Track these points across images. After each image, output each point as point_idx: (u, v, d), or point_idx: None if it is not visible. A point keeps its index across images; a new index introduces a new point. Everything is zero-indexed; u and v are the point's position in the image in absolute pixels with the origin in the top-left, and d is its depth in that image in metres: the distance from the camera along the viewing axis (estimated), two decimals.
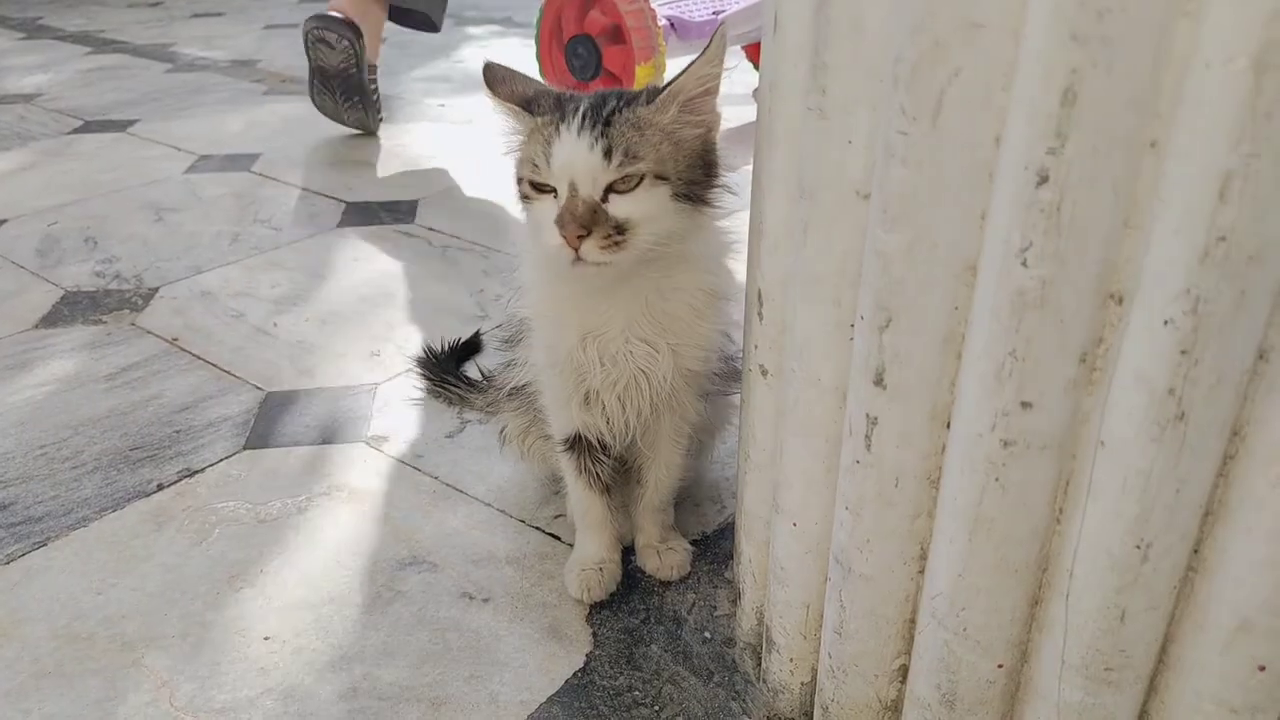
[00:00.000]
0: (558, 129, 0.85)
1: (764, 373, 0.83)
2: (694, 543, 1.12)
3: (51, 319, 1.69)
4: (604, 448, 1.01)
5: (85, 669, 0.97)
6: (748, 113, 2.88)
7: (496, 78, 0.92)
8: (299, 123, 2.86)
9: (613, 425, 0.98)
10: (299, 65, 3.58)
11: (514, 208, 0.93)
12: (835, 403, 0.74)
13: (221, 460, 1.29)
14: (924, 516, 0.70)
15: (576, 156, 0.83)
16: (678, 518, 1.14)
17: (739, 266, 0.95)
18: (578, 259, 0.83)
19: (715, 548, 1.13)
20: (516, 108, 0.89)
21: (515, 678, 0.95)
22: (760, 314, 0.81)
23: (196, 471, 1.27)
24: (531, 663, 0.97)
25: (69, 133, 2.78)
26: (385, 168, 2.45)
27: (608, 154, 0.83)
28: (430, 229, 2.06)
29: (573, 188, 0.83)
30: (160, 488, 1.24)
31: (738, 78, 3.20)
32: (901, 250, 0.61)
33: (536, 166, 0.85)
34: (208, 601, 1.05)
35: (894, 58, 0.58)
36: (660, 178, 0.85)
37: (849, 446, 0.71)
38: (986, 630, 0.68)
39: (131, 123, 2.87)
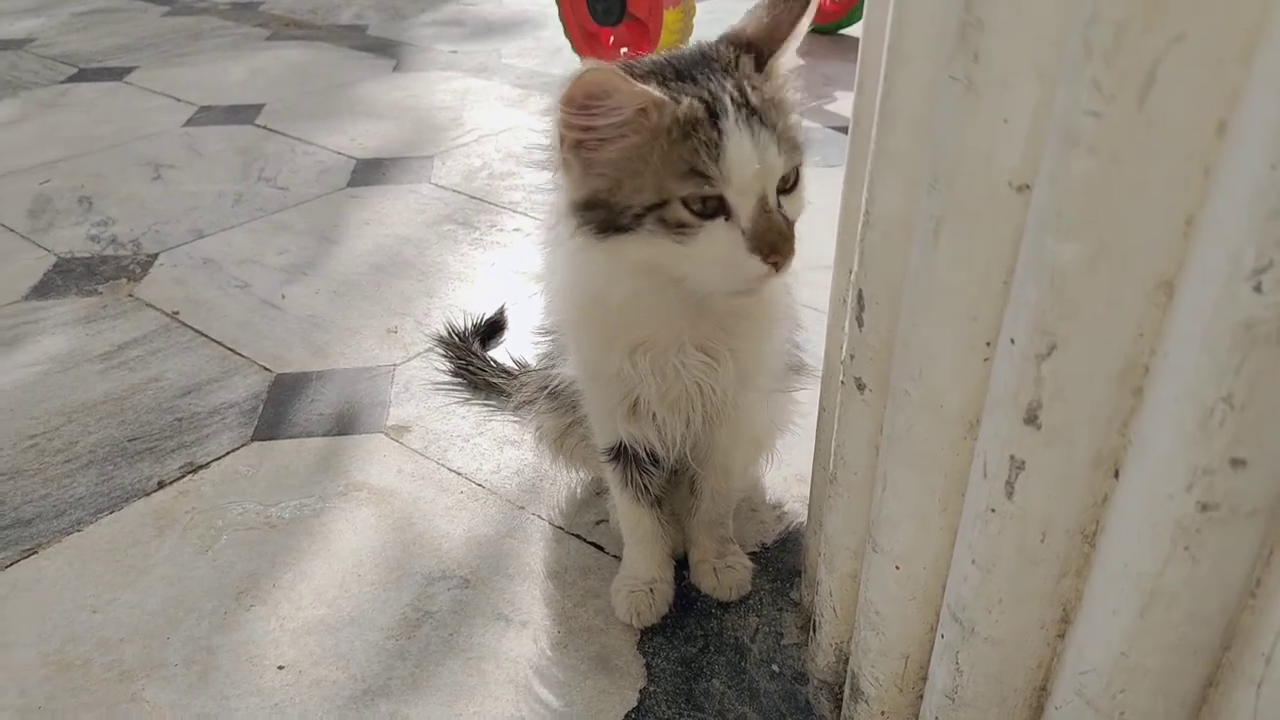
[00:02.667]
0: (716, 122, 0.65)
1: (860, 387, 0.70)
2: (753, 556, 1.01)
3: (43, 289, 1.57)
4: (653, 459, 0.89)
5: (79, 703, 0.87)
6: None
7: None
8: (304, 70, 2.71)
9: (664, 435, 0.86)
10: (303, 7, 3.42)
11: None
12: (960, 434, 0.61)
13: (228, 454, 1.18)
14: (1071, 576, 0.58)
15: (767, 158, 0.66)
16: (734, 526, 1.02)
17: None
18: (766, 278, 0.68)
19: (777, 562, 1.01)
20: (656, 92, 0.66)
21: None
22: (860, 320, 0.68)
23: (201, 466, 1.16)
24: (579, 700, 0.86)
25: (63, 81, 2.63)
26: (396, 120, 2.30)
27: (779, 146, 0.67)
28: (445, 187, 1.93)
29: (763, 201, 0.67)
30: (161, 485, 1.13)
31: None
32: (1081, 263, 0.48)
33: (707, 179, 0.65)
34: (214, 622, 0.94)
35: (1086, 18, 0.44)
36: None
37: (982, 491, 0.58)
38: (1150, 717, 0.56)
39: (128, 70, 2.72)
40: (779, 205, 0.69)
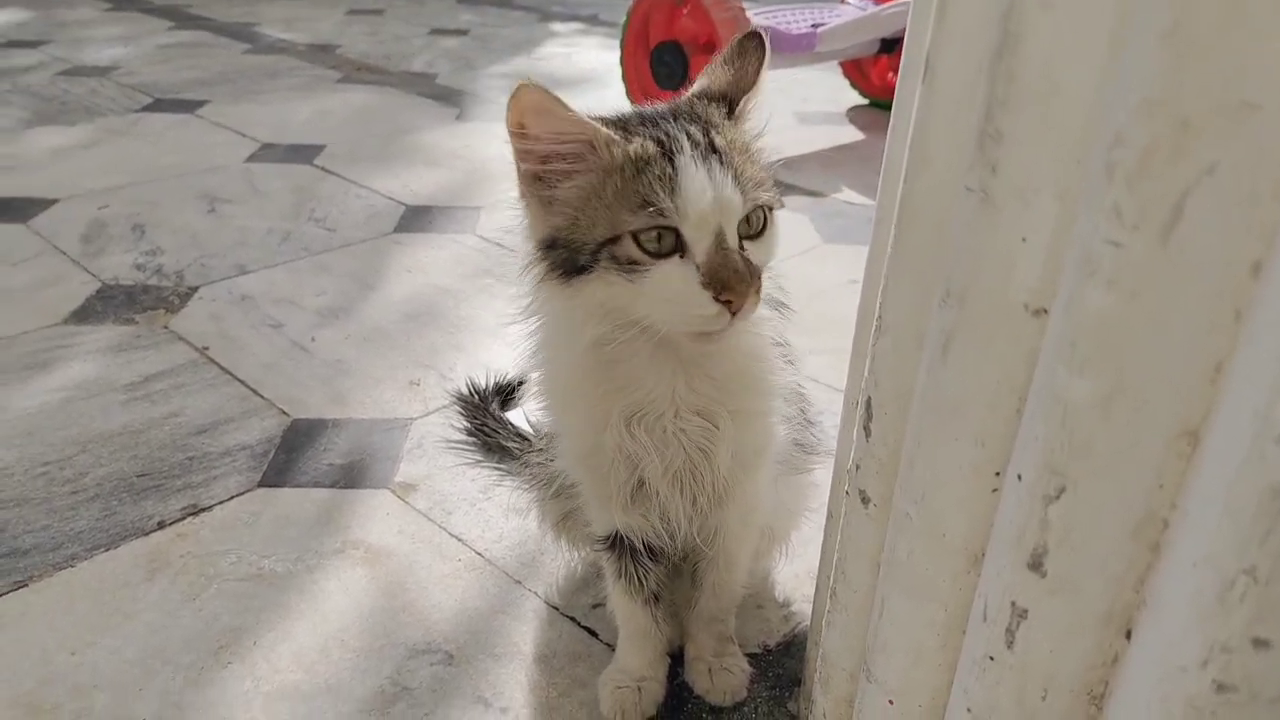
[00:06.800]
0: (671, 159, 0.65)
1: (865, 500, 0.66)
2: (753, 657, 0.95)
3: (83, 314, 1.59)
4: (651, 552, 0.85)
5: None
6: (841, 133, 2.70)
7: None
8: (369, 114, 2.76)
9: (669, 518, 0.81)
10: (378, 53, 3.51)
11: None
12: (963, 566, 0.56)
13: (232, 498, 1.16)
14: None
15: (724, 194, 0.65)
16: (737, 624, 0.97)
17: None
18: (730, 322, 0.66)
19: (778, 666, 0.96)
20: (603, 128, 0.67)
21: None
22: (868, 429, 0.64)
23: (203, 509, 1.14)
24: None
25: (137, 110, 2.72)
26: (452, 169, 2.33)
27: (739, 183, 0.66)
28: (489, 240, 1.92)
29: (720, 238, 0.66)
30: (161, 526, 1.11)
31: (832, 96, 3.02)
32: (1094, 401, 0.44)
33: (660, 211, 0.64)
34: (189, 677, 0.92)
35: (1109, 139, 0.41)
36: (771, 209, 0.71)
37: (981, 635, 0.53)
38: None
39: (201, 104, 2.80)
40: (741, 248, 0.67)
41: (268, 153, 2.40)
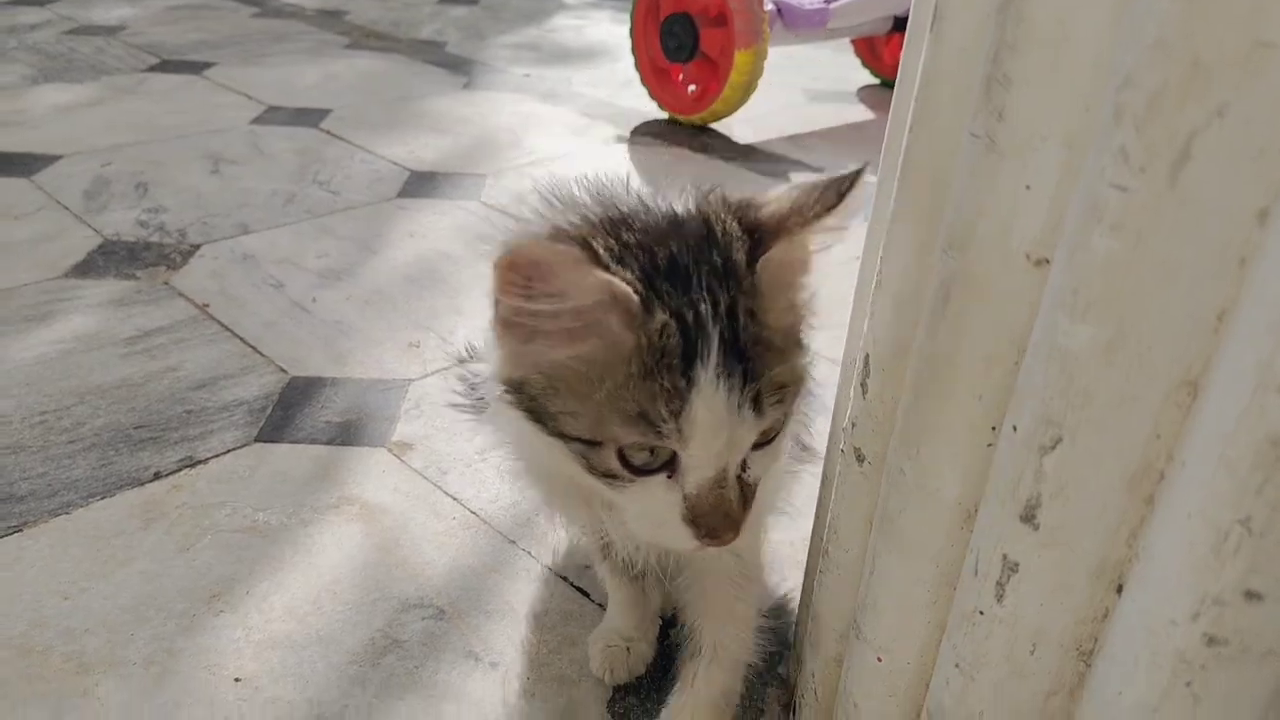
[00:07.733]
0: (689, 369, 0.51)
1: (860, 458, 0.65)
2: None
3: (84, 268, 1.58)
4: None
5: (31, 692, 0.84)
6: (851, 112, 2.68)
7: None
8: (377, 80, 2.74)
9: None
10: (387, 19, 3.48)
11: None
12: (955, 522, 0.56)
13: (229, 451, 1.16)
14: (1063, 695, 0.52)
15: (739, 432, 0.53)
16: None
17: None
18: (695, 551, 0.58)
19: (769, 631, 0.95)
20: (620, 284, 0.51)
21: None
22: (864, 385, 0.64)
23: (199, 462, 1.14)
24: None
25: (143, 70, 2.70)
26: (458, 137, 2.31)
27: (758, 407, 0.53)
28: (493, 207, 1.92)
29: (720, 476, 0.54)
30: (157, 476, 1.11)
31: (843, 74, 3.00)
32: (1095, 350, 0.43)
33: (658, 432, 0.52)
34: (181, 624, 0.92)
35: (1119, 80, 0.40)
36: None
37: (971, 589, 0.53)
38: None
39: (208, 65, 2.78)
40: (743, 469, 0.56)
41: (273, 115, 2.39)
